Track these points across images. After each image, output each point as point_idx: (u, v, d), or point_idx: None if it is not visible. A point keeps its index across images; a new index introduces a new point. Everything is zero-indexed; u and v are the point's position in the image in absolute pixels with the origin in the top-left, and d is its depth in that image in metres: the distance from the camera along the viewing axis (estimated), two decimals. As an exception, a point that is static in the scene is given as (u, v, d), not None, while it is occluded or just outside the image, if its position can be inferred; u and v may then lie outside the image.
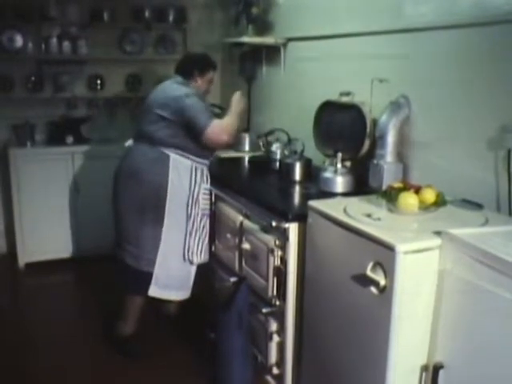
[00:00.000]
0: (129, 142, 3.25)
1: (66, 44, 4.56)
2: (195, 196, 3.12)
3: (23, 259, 4.50)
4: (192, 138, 3.03)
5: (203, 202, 3.17)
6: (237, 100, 3.28)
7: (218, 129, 3.01)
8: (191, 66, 3.26)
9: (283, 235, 2.57)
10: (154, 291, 3.13)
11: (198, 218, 3.15)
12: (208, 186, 3.20)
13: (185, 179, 3.10)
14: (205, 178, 3.18)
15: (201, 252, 3.20)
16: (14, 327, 3.56)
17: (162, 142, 3.05)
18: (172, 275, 3.15)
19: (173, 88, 3.12)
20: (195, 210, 3.13)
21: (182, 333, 3.44)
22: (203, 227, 3.20)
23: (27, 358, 3.20)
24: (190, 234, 3.14)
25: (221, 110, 4.58)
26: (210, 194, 3.22)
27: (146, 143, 3.10)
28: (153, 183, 3.04)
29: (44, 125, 4.66)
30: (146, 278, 3.10)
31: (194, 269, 3.23)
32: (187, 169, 3.10)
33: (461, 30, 2.47)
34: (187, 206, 3.11)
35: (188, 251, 3.15)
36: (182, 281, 3.20)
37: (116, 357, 3.18)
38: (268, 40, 3.97)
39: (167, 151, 3.05)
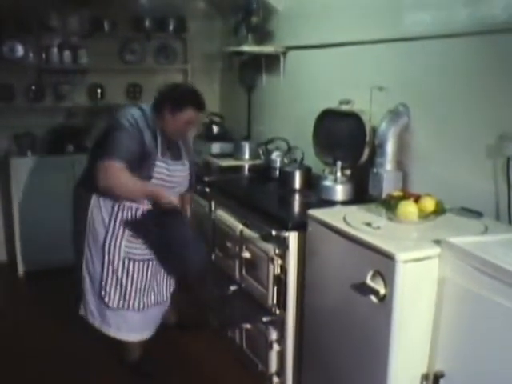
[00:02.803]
0: None
1: (67, 54, 4.57)
2: (114, 238, 2.78)
3: (23, 268, 4.49)
4: None
5: (131, 246, 2.81)
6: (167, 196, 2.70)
7: (106, 169, 2.57)
8: (164, 98, 2.76)
9: (283, 244, 2.57)
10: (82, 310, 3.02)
11: (121, 263, 2.81)
12: None
13: (105, 215, 2.79)
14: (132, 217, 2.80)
15: (119, 298, 2.86)
16: (13, 336, 3.55)
17: (91, 176, 2.71)
18: (91, 302, 2.95)
19: (116, 116, 2.77)
20: (117, 254, 2.79)
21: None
22: (131, 274, 2.84)
23: (27, 367, 3.18)
24: (106, 281, 2.83)
25: (220, 119, 4.62)
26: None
27: (83, 175, 2.94)
28: (77, 216, 2.88)
29: (45, 134, 4.66)
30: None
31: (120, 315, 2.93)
32: (108, 206, 2.77)
33: (459, 38, 2.48)
34: (103, 246, 2.79)
35: (104, 291, 2.85)
36: (105, 315, 2.94)
37: (117, 367, 3.17)
38: (267, 49, 3.98)
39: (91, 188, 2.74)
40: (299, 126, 3.63)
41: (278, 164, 3.52)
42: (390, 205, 2.28)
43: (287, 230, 2.54)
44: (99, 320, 2.97)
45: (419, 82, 2.74)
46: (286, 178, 3.25)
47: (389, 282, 1.94)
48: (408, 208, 2.22)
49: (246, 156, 4.08)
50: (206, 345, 3.37)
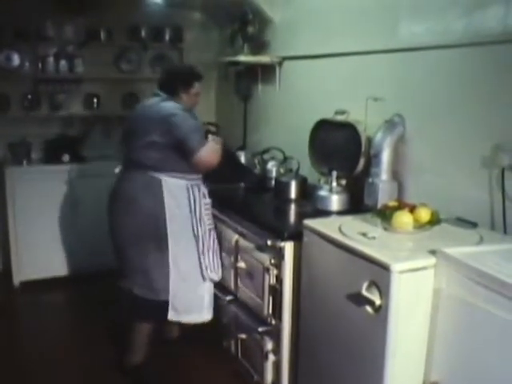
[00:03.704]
0: (118, 169, 3.11)
1: (63, 63, 4.57)
2: (198, 215, 2.98)
3: (18, 277, 4.46)
4: (183, 157, 2.89)
5: (207, 218, 3.05)
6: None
7: (211, 151, 2.92)
8: (174, 82, 3.07)
9: (279, 254, 2.57)
10: (172, 315, 3.00)
11: (207, 236, 3.02)
12: (208, 200, 3.08)
13: (183, 201, 2.95)
14: (202, 194, 3.04)
15: (218, 268, 3.07)
16: (7, 347, 3.52)
17: (153, 166, 2.90)
18: (191, 299, 3.01)
19: (158, 108, 2.96)
20: (202, 228, 2.99)
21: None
22: (213, 242, 3.06)
23: (22, 380, 3.15)
24: (204, 254, 3.00)
25: (216, 128, 4.62)
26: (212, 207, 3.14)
27: (136, 169, 2.95)
28: (148, 211, 2.90)
29: (40, 143, 4.65)
30: (161, 306, 2.96)
31: (210, 288, 3.10)
32: (183, 190, 2.95)
33: (454, 49, 2.50)
34: (192, 227, 2.98)
35: (206, 271, 3.01)
36: (201, 303, 3.05)
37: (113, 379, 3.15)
38: (263, 59, 3.99)
39: (159, 175, 2.91)
40: (295, 135, 3.63)
41: (273, 174, 3.52)
42: (385, 215, 2.29)
43: (283, 240, 2.54)
44: (195, 311, 3.05)
45: (415, 92, 2.76)
46: (282, 187, 3.25)
47: (384, 292, 1.94)
48: (403, 218, 2.22)
49: (242, 166, 4.08)
50: (201, 355, 3.35)
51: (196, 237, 2.99)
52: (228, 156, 3.24)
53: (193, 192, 2.99)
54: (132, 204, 2.94)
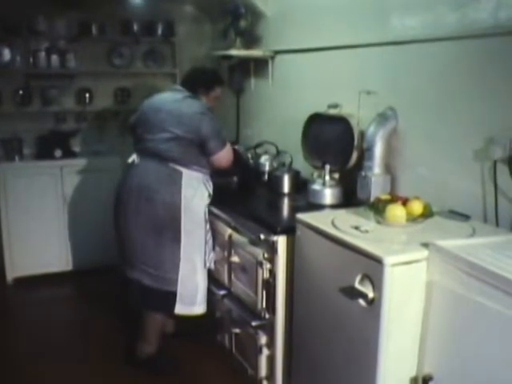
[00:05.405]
0: (132, 158, 3.07)
1: (55, 58, 4.55)
2: (207, 207, 3.09)
3: (11, 274, 4.44)
4: (202, 154, 3.00)
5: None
6: None
7: (229, 154, 3.10)
8: (196, 83, 3.16)
9: (272, 248, 2.57)
10: (179, 309, 3.04)
11: (207, 225, 3.09)
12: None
13: (198, 193, 3.02)
14: (210, 186, 3.13)
15: (213, 254, 3.14)
16: (2, 345, 3.50)
17: (175, 159, 2.95)
18: (196, 290, 3.06)
19: (187, 104, 3.01)
20: (208, 218, 3.09)
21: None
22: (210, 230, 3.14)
23: (15, 377, 3.14)
24: (207, 242, 3.08)
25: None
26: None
27: (156, 160, 2.97)
28: (167, 203, 2.93)
29: (32, 139, 4.63)
30: (169, 298, 3.01)
31: (206, 279, 3.14)
32: (200, 182, 3.03)
33: (446, 42, 2.49)
34: (204, 218, 3.06)
35: (208, 255, 3.09)
36: (202, 293, 3.10)
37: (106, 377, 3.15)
38: (256, 53, 3.98)
39: (180, 168, 2.96)
40: (288, 129, 3.63)
41: (266, 168, 3.52)
42: (378, 208, 2.29)
43: (276, 234, 2.54)
44: (198, 302, 3.09)
45: (407, 85, 2.75)
46: (275, 181, 3.25)
47: (377, 285, 1.94)
48: (396, 211, 2.23)
49: (235, 160, 4.07)
50: (196, 350, 3.35)
51: (205, 228, 3.06)
52: (236, 156, 3.29)
53: (208, 185, 3.09)
54: (153, 194, 2.95)
